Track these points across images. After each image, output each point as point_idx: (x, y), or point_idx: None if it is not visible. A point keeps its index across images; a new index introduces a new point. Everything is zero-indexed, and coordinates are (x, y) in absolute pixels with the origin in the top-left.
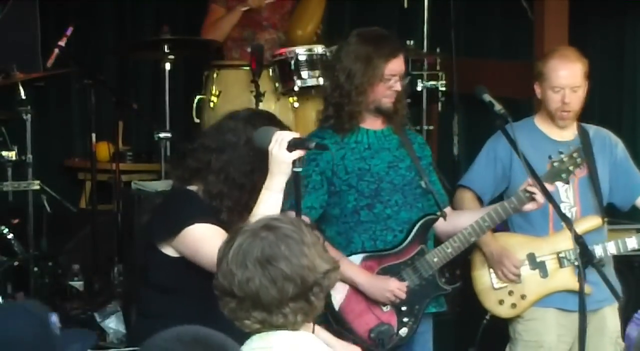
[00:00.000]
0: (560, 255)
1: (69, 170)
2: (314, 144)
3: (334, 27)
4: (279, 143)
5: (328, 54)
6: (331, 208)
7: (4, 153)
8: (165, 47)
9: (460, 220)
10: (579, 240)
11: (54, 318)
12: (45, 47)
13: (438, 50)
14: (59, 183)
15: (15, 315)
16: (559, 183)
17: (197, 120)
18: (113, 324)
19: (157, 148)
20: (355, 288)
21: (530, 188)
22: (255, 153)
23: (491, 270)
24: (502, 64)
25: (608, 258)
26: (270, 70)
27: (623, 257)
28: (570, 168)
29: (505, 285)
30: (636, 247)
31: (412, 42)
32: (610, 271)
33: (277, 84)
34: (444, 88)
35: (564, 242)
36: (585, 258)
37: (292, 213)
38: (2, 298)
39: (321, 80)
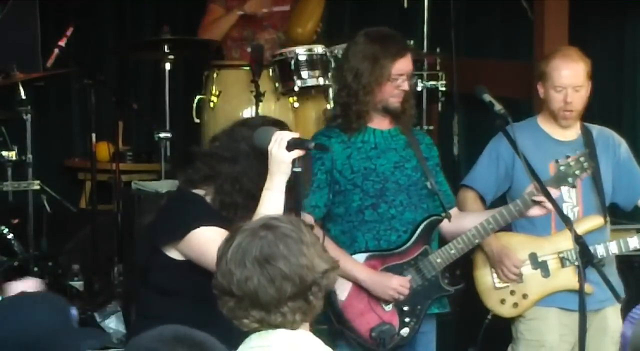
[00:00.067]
0: (561, 255)
1: (69, 170)
2: (313, 144)
3: (334, 27)
4: (278, 143)
5: (328, 53)
6: (336, 207)
7: (4, 153)
8: (165, 47)
9: (465, 222)
10: (579, 240)
11: (74, 311)
12: (45, 47)
13: (438, 50)
14: (59, 183)
15: (40, 303)
16: None
17: (197, 120)
18: (113, 324)
19: (157, 148)
20: (358, 287)
21: (537, 198)
22: (266, 161)
23: (493, 270)
24: (502, 64)
25: (610, 257)
26: (270, 70)
27: (623, 256)
28: (577, 172)
29: (506, 284)
30: (638, 246)
31: (412, 42)
32: (612, 271)
33: (277, 84)
34: (444, 89)
35: (566, 242)
36: (585, 258)
37: (310, 217)
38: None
39: (321, 80)
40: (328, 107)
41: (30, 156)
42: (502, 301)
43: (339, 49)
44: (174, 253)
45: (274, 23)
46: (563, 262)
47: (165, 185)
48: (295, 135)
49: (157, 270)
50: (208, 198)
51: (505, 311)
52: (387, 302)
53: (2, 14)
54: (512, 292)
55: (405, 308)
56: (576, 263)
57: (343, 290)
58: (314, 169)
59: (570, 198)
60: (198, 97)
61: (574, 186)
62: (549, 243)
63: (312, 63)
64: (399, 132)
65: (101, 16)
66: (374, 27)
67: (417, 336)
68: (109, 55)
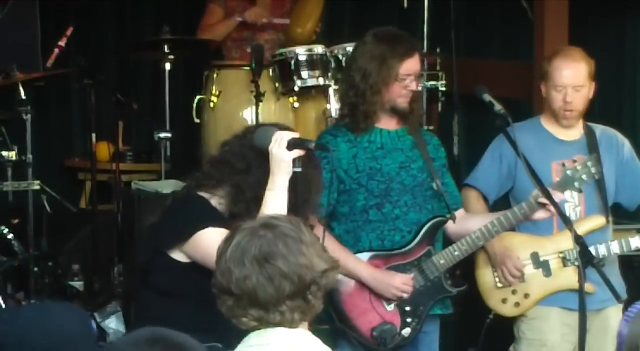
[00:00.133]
0: (562, 254)
1: (69, 170)
2: (313, 144)
3: (334, 27)
4: (278, 143)
5: (328, 53)
6: (340, 206)
7: (4, 153)
8: (165, 47)
9: (471, 223)
10: (579, 240)
11: (93, 322)
12: (45, 47)
13: (438, 50)
14: (59, 183)
15: (64, 312)
16: None
17: (197, 120)
18: (113, 324)
19: (157, 148)
20: (360, 286)
21: (542, 200)
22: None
23: (494, 269)
24: (502, 64)
25: (612, 257)
26: (270, 70)
27: (623, 256)
28: (584, 177)
29: (508, 283)
30: (639, 246)
31: None
32: (614, 271)
33: (277, 84)
34: (444, 89)
35: (567, 242)
36: (585, 258)
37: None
38: (2, 298)
39: (321, 80)
40: (328, 107)
41: (30, 156)
42: (504, 300)
43: (339, 49)
44: (178, 255)
45: (274, 26)
46: (564, 261)
47: (165, 185)
48: (296, 135)
49: (159, 272)
50: (213, 201)
51: (507, 310)
52: (389, 302)
53: (2, 14)
54: (514, 292)
55: (407, 308)
56: (576, 263)
57: (345, 288)
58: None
59: (572, 198)
60: (198, 97)
61: (580, 190)
62: (551, 243)
63: (312, 63)
64: (406, 132)
65: (101, 16)
66: (382, 27)
67: (420, 336)
68: (109, 55)
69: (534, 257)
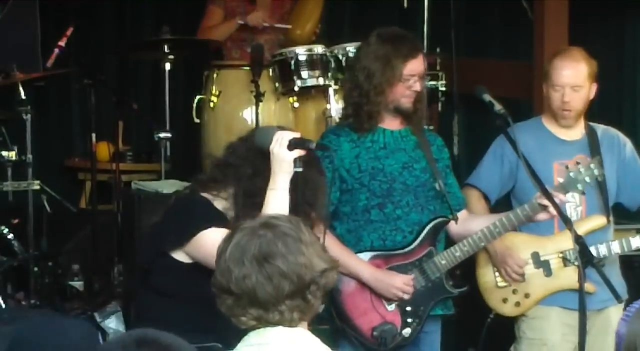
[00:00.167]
0: (561, 254)
1: (69, 170)
2: (314, 144)
3: (334, 27)
4: (279, 143)
5: (328, 53)
6: (343, 205)
7: (4, 153)
8: (165, 47)
9: (473, 224)
10: (578, 240)
11: (100, 336)
12: (45, 47)
13: (438, 50)
14: (59, 183)
15: (74, 326)
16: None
17: (197, 120)
18: (113, 324)
19: (157, 148)
20: (361, 285)
21: (544, 202)
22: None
23: (495, 269)
24: (502, 64)
25: (613, 257)
26: (270, 70)
27: (624, 256)
28: (587, 179)
29: (509, 283)
30: None
31: None
32: (615, 272)
33: (277, 84)
34: (444, 89)
35: (568, 242)
36: (585, 258)
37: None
38: (2, 298)
39: (321, 80)
40: (328, 107)
41: (30, 156)
42: (504, 300)
43: (338, 49)
44: (179, 256)
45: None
46: (565, 261)
47: (165, 185)
48: (297, 134)
49: (160, 272)
50: (216, 203)
51: (508, 310)
52: (390, 302)
53: (2, 14)
54: (515, 291)
55: (408, 309)
56: (576, 264)
57: (346, 288)
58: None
59: (573, 198)
60: (198, 97)
61: (583, 193)
62: (552, 243)
63: (312, 63)
64: (410, 132)
65: (101, 16)
66: (387, 28)
67: (421, 336)
68: (109, 55)
69: (535, 256)
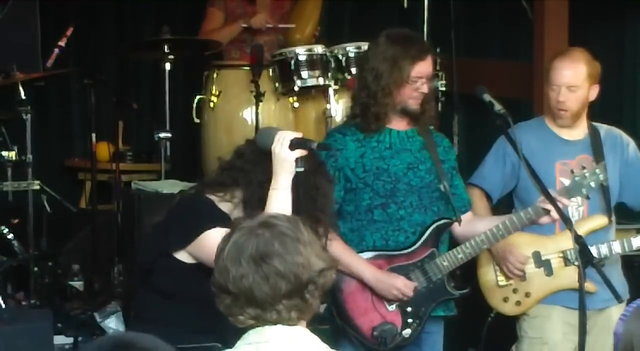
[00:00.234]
0: (562, 254)
1: (69, 170)
2: (315, 144)
3: (334, 27)
4: (281, 143)
5: (328, 53)
6: (346, 204)
7: (4, 153)
8: (165, 47)
9: (477, 226)
10: (578, 240)
11: None
12: (45, 47)
13: (438, 50)
14: (59, 183)
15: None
16: (566, 181)
17: (197, 120)
18: (113, 324)
19: (157, 148)
20: (363, 285)
21: (546, 206)
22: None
23: (496, 268)
24: (502, 64)
25: (615, 257)
26: (270, 70)
27: (624, 256)
28: (592, 184)
29: (509, 282)
30: None
31: None
32: (617, 272)
33: (277, 84)
34: (444, 89)
35: (569, 241)
36: (585, 258)
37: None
38: (2, 298)
39: (321, 80)
40: (328, 107)
41: (30, 156)
42: (505, 299)
43: (338, 49)
44: (182, 256)
45: (276, 29)
46: (566, 261)
47: (165, 185)
48: (298, 134)
49: (162, 272)
50: (221, 205)
51: (508, 309)
52: (390, 302)
53: (2, 14)
54: (515, 290)
55: (409, 309)
56: (576, 263)
57: (348, 287)
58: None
59: (575, 197)
60: (198, 97)
61: (587, 197)
62: (553, 242)
63: (312, 63)
64: (417, 133)
65: (101, 16)
66: (396, 28)
67: (423, 336)
68: (109, 55)
69: (536, 256)
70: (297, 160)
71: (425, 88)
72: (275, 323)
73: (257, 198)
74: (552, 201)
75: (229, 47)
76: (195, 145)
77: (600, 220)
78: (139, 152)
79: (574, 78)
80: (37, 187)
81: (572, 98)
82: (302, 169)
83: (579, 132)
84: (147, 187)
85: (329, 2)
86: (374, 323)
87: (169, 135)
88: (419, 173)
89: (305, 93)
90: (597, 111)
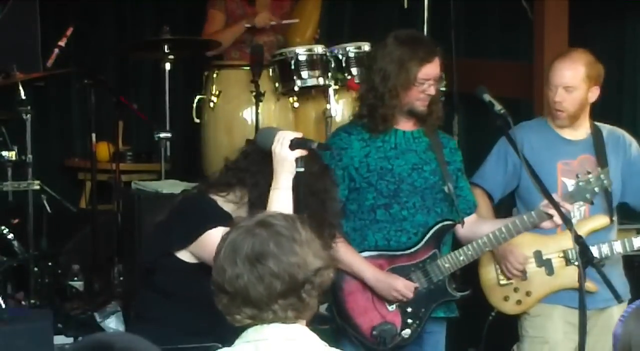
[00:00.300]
0: (563, 254)
1: (69, 170)
2: (316, 144)
3: (334, 27)
4: (281, 142)
5: (328, 53)
6: (350, 203)
7: (4, 153)
8: (165, 47)
9: (481, 228)
10: (578, 240)
11: None
12: (45, 47)
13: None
14: (59, 183)
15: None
16: (567, 180)
17: (197, 120)
18: (113, 324)
19: (157, 148)
20: (363, 284)
21: (549, 210)
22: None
23: (497, 266)
24: (502, 64)
25: (616, 257)
26: (270, 70)
27: (624, 256)
28: (596, 189)
29: (510, 281)
30: None
31: None
32: (618, 272)
33: (277, 84)
34: (444, 89)
35: (570, 241)
36: (585, 258)
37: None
38: (2, 298)
39: (321, 80)
40: (328, 107)
41: (30, 156)
42: (506, 298)
43: (338, 49)
44: (185, 255)
45: (272, 25)
46: (567, 260)
47: (165, 185)
48: (298, 134)
49: (163, 272)
50: (225, 206)
51: (509, 308)
52: (390, 302)
53: (2, 14)
54: (516, 289)
55: (409, 310)
56: (576, 263)
57: (348, 286)
58: (330, 164)
59: (578, 202)
60: (198, 97)
61: (592, 202)
62: (554, 242)
63: (312, 63)
64: (423, 134)
65: (101, 16)
66: (404, 30)
67: (425, 336)
68: (109, 55)
69: (537, 255)
70: (297, 160)
71: (432, 90)
72: (272, 322)
73: (264, 200)
74: (553, 201)
75: (229, 47)
76: (195, 145)
77: (602, 220)
78: (139, 152)
79: (570, 79)
80: (37, 187)
81: (568, 99)
82: (302, 169)
83: (581, 132)
84: (147, 187)
85: (329, 2)
86: (373, 322)
87: (169, 135)
88: (423, 174)
89: (305, 93)
90: (597, 111)
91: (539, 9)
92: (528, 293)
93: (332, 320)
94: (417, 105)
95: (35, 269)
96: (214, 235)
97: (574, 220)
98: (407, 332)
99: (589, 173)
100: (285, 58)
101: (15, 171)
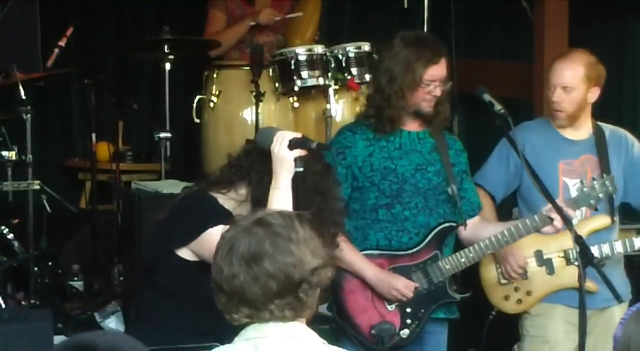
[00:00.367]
0: (564, 253)
1: (69, 170)
2: (315, 144)
3: (334, 28)
4: (280, 142)
5: (328, 53)
6: (352, 202)
7: (4, 153)
8: (165, 47)
9: (483, 231)
10: (578, 240)
11: None
12: (45, 47)
13: None
14: (59, 183)
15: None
16: (570, 181)
17: (197, 120)
18: (113, 324)
19: (157, 148)
20: (364, 283)
21: (551, 214)
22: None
23: (498, 266)
24: (502, 64)
25: (618, 257)
26: (270, 70)
27: (625, 256)
28: (601, 195)
29: (511, 280)
30: None
31: None
32: (619, 272)
33: (277, 84)
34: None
35: (571, 241)
36: (585, 258)
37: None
38: (2, 298)
39: (321, 80)
40: (328, 107)
41: (30, 156)
42: (506, 297)
43: (338, 49)
44: (185, 254)
45: (272, 25)
46: (567, 260)
47: (165, 185)
48: (298, 134)
49: (164, 271)
50: (226, 204)
51: (509, 307)
52: (390, 301)
53: (2, 14)
54: (517, 289)
55: (408, 310)
56: (576, 263)
57: (348, 285)
58: (334, 163)
59: (582, 208)
60: (198, 97)
61: (595, 209)
62: (555, 241)
63: (312, 63)
64: (428, 134)
65: (101, 16)
66: (411, 30)
67: (425, 336)
68: (109, 55)
69: (538, 254)
70: (296, 159)
71: (438, 92)
72: (269, 321)
73: (267, 197)
74: (553, 203)
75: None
76: (195, 145)
77: (603, 220)
78: (139, 152)
79: (569, 79)
80: (37, 187)
81: (566, 99)
82: (301, 169)
83: (583, 132)
84: (147, 187)
85: (328, 2)
86: (372, 321)
87: (169, 135)
88: (427, 175)
89: (305, 93)
90: (597, 112)
91: (539, 9)
92: (529, 293)
93: (333, 320)
94: (423, 106)
95: (35, 269)
96: (215, 233)
97: (575, 220)
98: (405, 332)
99: (594, 179)
100: (285, 58)
101: (15, 171)
